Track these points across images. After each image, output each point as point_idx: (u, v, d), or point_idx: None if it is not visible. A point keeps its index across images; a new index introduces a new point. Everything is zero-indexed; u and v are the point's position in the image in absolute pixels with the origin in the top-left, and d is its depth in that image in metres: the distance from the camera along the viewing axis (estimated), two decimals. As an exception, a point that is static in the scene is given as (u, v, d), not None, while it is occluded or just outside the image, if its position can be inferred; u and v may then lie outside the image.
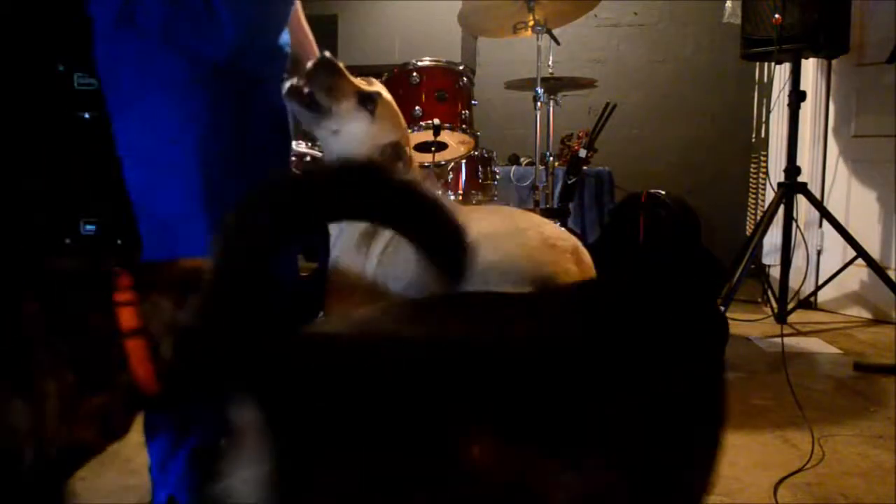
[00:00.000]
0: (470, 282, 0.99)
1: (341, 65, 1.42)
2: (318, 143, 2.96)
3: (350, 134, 1.41)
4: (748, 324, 3.08)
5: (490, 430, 0.61)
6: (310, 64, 1.42)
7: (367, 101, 1.42)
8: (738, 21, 3.07)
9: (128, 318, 0.93)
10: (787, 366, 2.12)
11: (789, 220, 3.03)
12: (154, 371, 0.94)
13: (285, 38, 1.40)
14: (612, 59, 4.43)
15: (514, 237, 1.22)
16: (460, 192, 2.90)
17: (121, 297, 0.94)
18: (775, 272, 3.36)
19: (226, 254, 0.66)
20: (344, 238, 1.39)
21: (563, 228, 1.14)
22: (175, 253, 0.99)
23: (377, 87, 1.48)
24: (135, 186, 1.27)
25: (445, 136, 2.69)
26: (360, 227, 1.37)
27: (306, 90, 1.39)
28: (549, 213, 2.81)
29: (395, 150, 1.43)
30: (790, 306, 3.14)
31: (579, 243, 1.19)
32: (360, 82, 1.45)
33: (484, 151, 2.94)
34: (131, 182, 1.27)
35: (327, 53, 1.43)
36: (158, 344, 0.94)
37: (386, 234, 1.35)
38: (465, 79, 2.74)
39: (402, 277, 1.30)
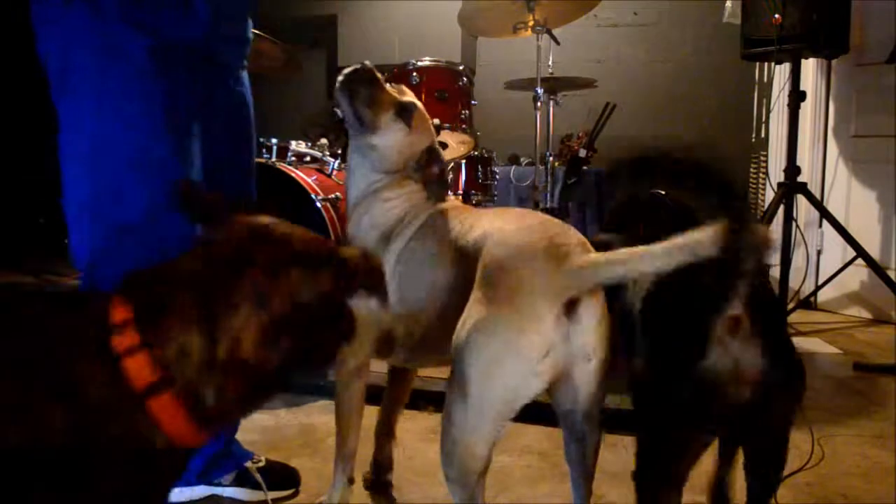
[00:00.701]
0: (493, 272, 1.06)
1: (378, 74, 1.41)
2: (318, 145, 2.97)
3: (388, 147, 1.40)
4: (748, 324, 3.08)
5: None
6: (348, 72, 1.38)
7: (405, 113, 1.42)
8: (738, 21, 3.07)
9: (139, 371, 0.69)
10: (787, 366, 2.11)
11: (789, 220, 3.03)
12: (197, 419, 0.72)
13: (249, 24, 1.36)
14: (612, 59, 4.43)
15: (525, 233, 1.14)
16: (460, 192, 2.90)
17: (122, 343, 0.69)
18: (775, 272, 3.36)
19: None
20: (359, 238, 1.38)
21: (570, 227, 1.15)
22: (131, 261, 0.79)
23: (409, 95, 1.47)
24: (80, 181, 1.15)
25: (445, 136, 2.70)
26: (380, 226, 1.37)
27: (348, 104, 1.37)
28: (548, 213, 2.81)
29: (431, 156, 1.44)
30: (790, 306, 3.14)
31: (585, 239, 1.18)
32: (393, 91, 1.44)
33: (484, 151, 2.95)
34: (76, 176, 1.15)
35: (367, 63, 1.40)
36: (197, 388, 0.71)
37: (405, 234, 1.36)
38: (465, 79, 2.74)
39: (420, 276, 1.31)
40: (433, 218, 1.36)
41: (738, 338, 0.93)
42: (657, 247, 0.92)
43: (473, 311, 1.04)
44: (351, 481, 1.38)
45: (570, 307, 1.00)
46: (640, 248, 0.94)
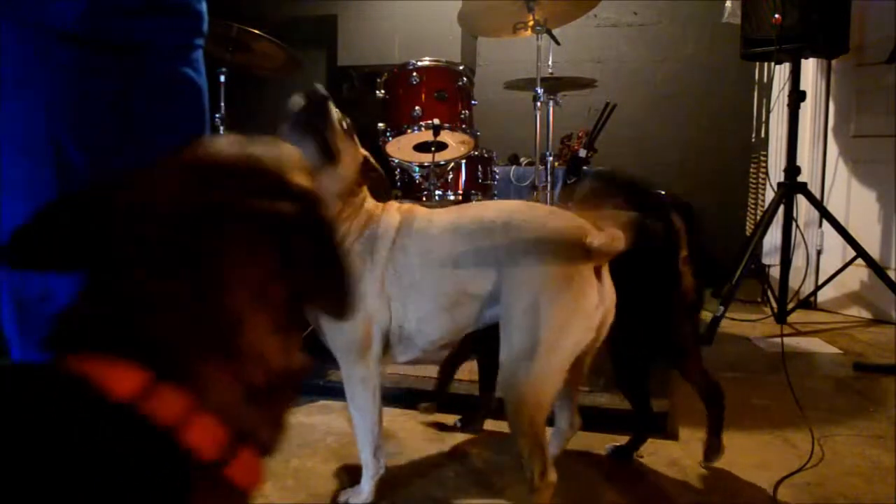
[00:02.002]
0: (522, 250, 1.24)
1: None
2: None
3: (350, 171, 1.40)
4: (748, 324, 3.08)
5: None
6: (305, 104, 1.31)
7: (349, 130, 1.44)
8: (738, 21, 3.07)
9: (203, 438, 0.52)
10: (787, 366, 2.12)
11: (789, 220, 3.03)
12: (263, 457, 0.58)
13: None
14: (612, 59, 4.43)
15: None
16: (460, 191, 2.90)
17: (164, 412, 0.50)
18: (775, 272, 3.35)
19: None
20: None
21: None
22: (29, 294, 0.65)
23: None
24: None
25: (445, 136, 2.69)
26: (363, 233, 1.38)
27: (319, 138, 1.34)
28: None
29: (369, 164, 1.47)
30: (790, 306, 3.14)
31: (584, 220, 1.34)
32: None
33: (484, 151, 2.94)
34: None
35: (320, 88, 1.34)
36: (252, 428, 0.56)
37: (388, 236, 1.37)
38: (465, 79, 2.74)
39: (412, 273, 1.32)
40: (407, 219, 1.39)
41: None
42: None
43: (528, 284, 1.22)
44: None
45: (597, 272, 1.25)
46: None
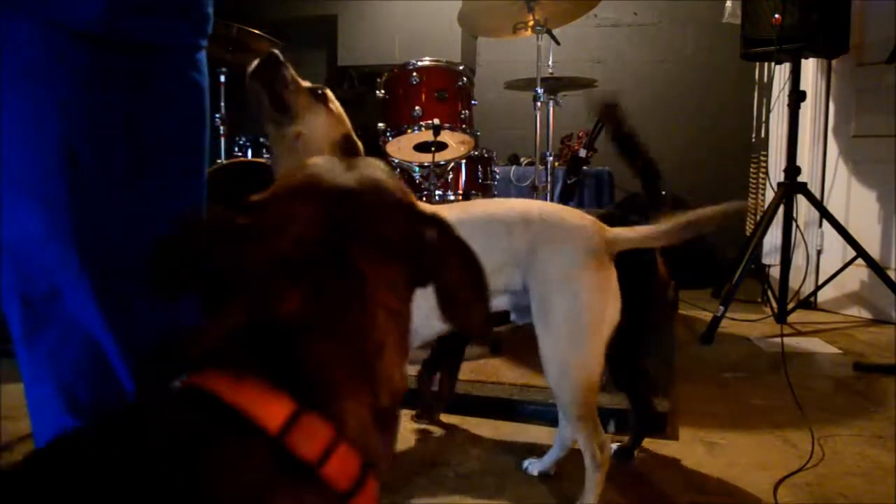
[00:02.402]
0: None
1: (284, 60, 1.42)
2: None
3: (312, 132, 1.40)
4: (748, 324, 3.08)
5: None
6: (259, 61, 1.35)
7: (321, 95, 1.44)
8: (738, 21, 3.07)
9: (340, 471, 0.51)
10: (787, 366, 2.12)
11: (789, 220, 3.03)
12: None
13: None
14: (612, 59, 4.43)
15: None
16: (460, 191, 2.90)
17: (312, 450, 0.49)
18: (775, 272, 3.36)
19: None
20: None
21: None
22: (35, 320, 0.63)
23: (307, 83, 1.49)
24: None
25: (445, 136, 2.69)
26: None
27: (268, 90, 1.37)
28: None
29: (350, 143, 1.46)
30: (790, 306, 3.14)
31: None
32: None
33: (484, 151, 2.94)
34: None
35: (275, 50, 1.37)
36: (384, 469, 0.57)
37: None
38: (465, 79, 2.74)
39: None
40: None
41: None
42: (649, 230, 1.36)
43: (563, 273, 1.30)
44: None
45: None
46: (646, 230, 1.36)
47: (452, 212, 1.41)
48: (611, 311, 1.33)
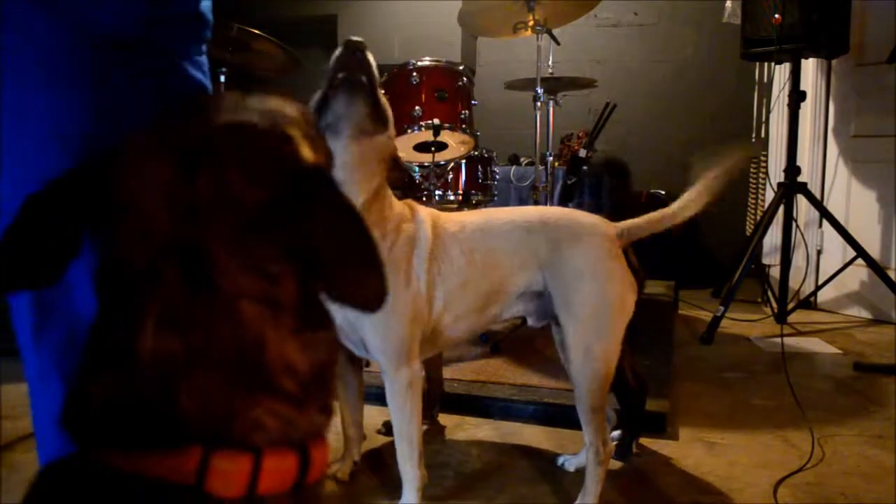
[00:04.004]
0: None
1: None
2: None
3: (376, 145, 1.33)
4: (748, 324, 3.08)
5: None
6: (351, 58, 1.26)
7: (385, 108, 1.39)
8: (738, 21, 3.07)
9: (274, 484, 0.52)
10: (787, 366, 2.12)
11: (789, 220, 3.03)
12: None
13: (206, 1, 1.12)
14: (612, 59, 4.43)
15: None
16: (460, 191, 2.90)
17: (232, 489, 0.50)
18: (775, 272, 3.35)
19: None
20: (394, 253, 1.33)
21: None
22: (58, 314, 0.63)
23: None
24: None
25: (445, 136, 2.69)
26: (400, 233, 1.34)
27: (371, 97, 1.30)
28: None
29: (398, 160, 1.43)
30: (790, 306, 3.14)
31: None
32: None
33: (484, 151, 2.94)
34: None
35: (357, 39, 1.29)
36: (321, 430, 0.58)
37: (426, 237, 1.37)
38: (465, 79, 2.73)
39: (458, 274, 1.36)
40: (436, 221, 1.41)
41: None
42: (658, 213, 1.45)
43: (584, 270, 1.36)
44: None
45: None
46: (653, 214, 1.45)
47: (475, 217, 1.44)
48: (631, 301, 1.39)
